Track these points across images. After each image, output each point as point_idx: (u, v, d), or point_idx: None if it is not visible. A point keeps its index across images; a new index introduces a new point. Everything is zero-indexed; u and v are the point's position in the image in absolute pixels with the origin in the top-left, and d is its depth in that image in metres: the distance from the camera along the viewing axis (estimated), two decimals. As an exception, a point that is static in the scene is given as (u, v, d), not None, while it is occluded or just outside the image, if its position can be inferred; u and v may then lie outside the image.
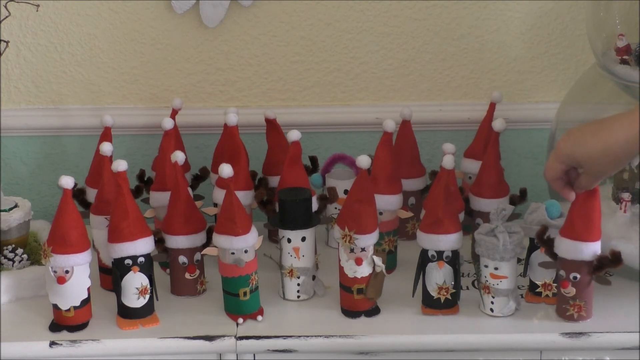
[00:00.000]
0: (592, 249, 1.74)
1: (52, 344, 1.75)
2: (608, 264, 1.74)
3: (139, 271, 1.78)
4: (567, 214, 1.76)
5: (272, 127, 2.12)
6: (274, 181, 2.06)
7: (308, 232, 1.86)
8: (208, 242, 1.88)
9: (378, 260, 1.80)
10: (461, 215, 1.92)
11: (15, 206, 2.00)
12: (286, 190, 1.90)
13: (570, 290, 1.77)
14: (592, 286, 1.77)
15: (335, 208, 2.05)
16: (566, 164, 1.64)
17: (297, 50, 2.22)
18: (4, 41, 2.00)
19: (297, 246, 1.86)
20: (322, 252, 1.99)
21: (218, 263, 1.82)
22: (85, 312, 1.80)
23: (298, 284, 1.88)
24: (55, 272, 1.75)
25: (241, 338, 1.76)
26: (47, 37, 2.20)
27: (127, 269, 1.78)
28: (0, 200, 2.00)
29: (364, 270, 1.80)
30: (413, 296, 1.85)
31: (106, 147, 1.92)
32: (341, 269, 1.82)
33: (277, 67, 2.23)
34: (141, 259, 1.79)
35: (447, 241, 1.80)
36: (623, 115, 1.54)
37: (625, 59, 1.92)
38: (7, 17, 1.99)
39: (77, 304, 1.78)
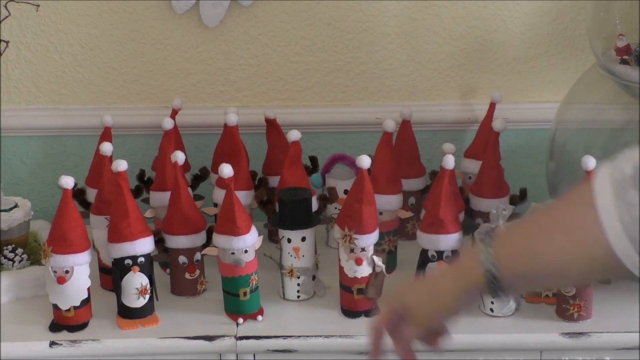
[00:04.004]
0: (592, 249, 1.74)
1: (52, 344, 1.75)
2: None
3: (139, 271, 1.78)
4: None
5: (272, 127, 2.12)
6: (274, 181, 2.06)
7: (308, 232, 1.86)
8: (208, 242, 1.88)
9: (378, 260, 1.80)
10: (461, 215, 1.92)
11: (15, 206, 2.00)
12: (286, 190, 1.90)
13: (570, 290, 1.77)
14: (592, 286, 1.77)
15: (335, 208, 2.05)
16: (393, 307, 1.40)
17: (297, 50, 2.22)
18: (4, 41, 1.99)
19: (297, 246, 1.86)
20: (322, 252, 1.99)
21: (218, 263, 1.82)
22: (85, 312, 1.80)
23: (298, 284, 1.88)
24: (55, 272, 1.75)
25: (241, 338, 1.76)
26: (47, 37, 2.20)
27: (127, 269, 1.78)
28: (0, 200, 2.00)
29: (364, 270, 1.80)
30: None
31: (106, 147, 1.92)
32: (341, 269, 1.82)
33: (277, 67, 2.23)
34: (141, 259, 1.79)
35: (447, 241, 1.80)
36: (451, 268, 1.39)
37: (625, 59, 1.92)
38: (7, 17, 1.99)
39: (77, 304, 1.78)
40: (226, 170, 1.77)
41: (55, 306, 1.79)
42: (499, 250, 1.26)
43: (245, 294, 1.80)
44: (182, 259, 1.89)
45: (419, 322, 1.36)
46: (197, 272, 1.90)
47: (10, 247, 1.95)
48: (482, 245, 1.27)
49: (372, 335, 1.40)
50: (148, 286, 1.80)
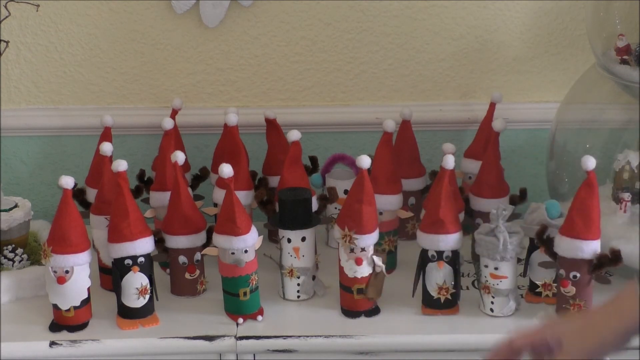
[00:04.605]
0: (591, 248, 1.74)
1: (52, 344, 1.75)
2: (608, 263, 1.74)
3: (139, 271, 1.78)
4: (567, 213, 1.76)
5: (272, 127, 2.12)
6: (274, 181, 2.06)
7: (308, 232, 1.86)
8: (208, 242, 1.88)
9: (378, 260, 1.80)
10: (461, 215, 1.92)
11: (15, 206, 2.00)
12: (286, 190, 1.90)
13: (570, 290, 1.77)
14: (591, 285, 1.77)
15: (335, 208, 2.05)
16: (543, 333, 1.40)
17: (297, 50, 2.22)
18: (4, 41, 1.99)
19: (297, 246, 1.86)
20: (322, 252, 1.99)
21: (218, 263, 1.82)
22: (85, 312, 1.80)
23: (298, 284, 1.88)
24: (55, 272, 1.75)
25: (241, 338, 1.76)
26: (47, 37, 2.20)
27: (127, 269, 1.78)
28: (0, 200, 2.00)
29: (364, 270, 1.80)
30: (413, 296, 1.85)
31: (106, 147, 1.92)
32: (341, 269, 1.82)
33: (277, 67, 2.23)
34: (141, 259, 1.79)
35: (447, 241, 1.80)
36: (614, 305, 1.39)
37: (625, 59, 1.92)
38: (7, 17, 1.99)
39: (77, 304, 1.78)
40: (226, 170, 1.77)
41: (55, 306, 1.79)
42: None
43: (245, 294, 1.80)
44: (182, 259, 1.89)
45: (571, 355, 1.34)
46: (197, 272, 1.90)
47: (10, 247, 1.95)
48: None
49: (506, 351, 1.39)
50: (148, 286, 1.80)
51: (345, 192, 1.99)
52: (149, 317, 1.81)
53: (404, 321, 1.81)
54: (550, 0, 2.19)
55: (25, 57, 2.21)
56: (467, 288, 1.92)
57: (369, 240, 1.79)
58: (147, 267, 1.80)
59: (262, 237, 1.83)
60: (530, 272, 1.87)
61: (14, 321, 1.83)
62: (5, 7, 1.98)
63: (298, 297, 1.89)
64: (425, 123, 2.22)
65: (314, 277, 1.89)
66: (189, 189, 1.92)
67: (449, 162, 1.82)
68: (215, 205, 2.04)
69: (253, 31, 2.20)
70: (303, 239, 1.86)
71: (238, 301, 1.80)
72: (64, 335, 1.78)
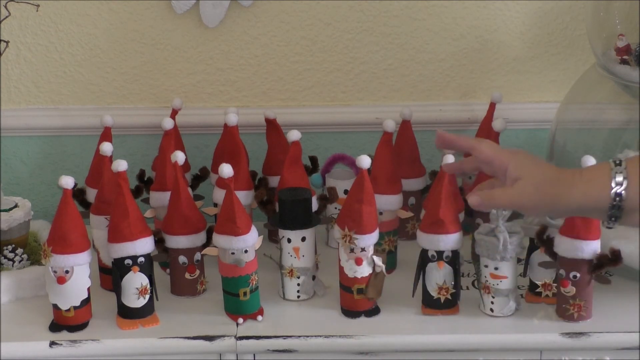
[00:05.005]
0: (591, 247, 1.74)
1: (52, 344, 1.75)
2: (608, 263, 1.74)
3: (139, 271, 1.78)
4: (567, 213, 1.76)
5: (272, 127, 2.12)
6: (274, 181, 2.06)
7: (308, 232, 1.86)
8: (208, 242, 1.88)
9: (378, 260, 1.80)
10: (461, 215, 1.92)
11: (15, 206, 2.00)
12: (286, 190, 1.90)
13: (570, 290, 1.77)
14: (592, 285, 1.77)
15: (335, 208, 2.05)
16: (500, 160, 1.40)
17: (297, 50, 2.22)
18: (4, 41, 1.99)
19: (297, 246, 1.86)
20: (322, 252, 1.99)
21: (218, 263, 1.82)
22: (85, 312, 1.80)
23: (298, 284, 1.88)
24: (55, 272, 1.75)
25: (241, 338, 1.76)
26: (47, 37, 2.20)
27: (127, 269, 1.78)
28: (0, 200, 2.00)
29: (364, 270, 1.80)
30: (413, 296, 1.85)
31: (106, 147, 1.92)
32: (341, 269, 1.82)
33: (277, 67, 2.23)
34: (141, 259, 1.79)
35: (447, 241, 1.79)
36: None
37: (625, 59, 1.92)
38: (7, 17, 1.99)
39: (77, 304, 1.78)
40: (226, 170, 1.77)
41: (55, 306, 1.79)
42: (633, 173, 1.25)
43: (245, 294, 1.80)
44: (182, 259, 1.89)
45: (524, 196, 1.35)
46: (197, 272, 1.90)
47: (10, 247, 1.95)
48: (614, 165, 1.26)
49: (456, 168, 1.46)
50: (148, 286, 1.80)
51: (345, 192, 1.99)
52: (149, 317, 1.81)
53: (404, 321, 1.81)
54: (550, 0, 2.19)
55: (25, 57, 2.21)
56: (467, 288, 1.92)
57: (369, 240, 1.79)
58: (147, 267, 1.80)
59: (262, 237, 1.83)
60: (530, 272, 1.87)
61: (14, 321, 1.83)
62: (5, 7, 1.98)
63: (298, 297, 1.89)
64: (425, 123, 2.22)
65: (314, 277, 1.89)
66: (189, 189, 1.92)
67: (449, 162, 1.82)
68: (215, 205, 2.04)
69: (253, 31, 2.20)
70: (303, 239, 1.86)
71: (238, 301, 1.80)
72: (64, 335, 1.77)
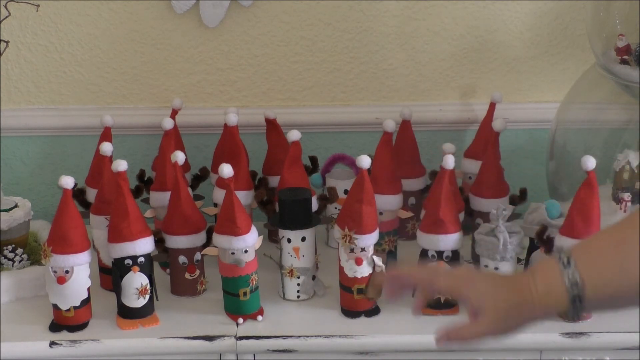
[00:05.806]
0: (592, 249, 1.74)
1: (52, 344, 1.75)
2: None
3: (139, 271, 1.78)
4: (567, 213, 1.76)
5: (272, 127, 2.12)
6: (274, 181, 2.06)
7: (308, 232, 1.86)
8: (208, 242, 1.88)
9: (378, 260, 1.80)
10: (461, 215, 1.92)
11: (15, 206, 2.00)
12: (286, 190, 1.90)
13: (570, 290, 1.77)
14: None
15: (335, 208, 2.05)
16: (449, 286, 1.39)
17: (297, 50, 2.22)
18: (4, 41, 1.99)
19: (297, 246, 1.86)
20: (322, 252, 1.99)
21: (218, 263, 1.82)
22: (85, 312, 1.80)
23: (298, 284, 1.88)
24: (55, 272, 1.75)
25: (241, 338, 1.76)
26: (47, 37, 2.20)
27: (127, 269, 1.78)
28: (0, 200, 2.00)
29: (364, 270, 1.80)
30: (413, 296, 1.85)
31: (106, 147, 1.92)
32: (341, 269, 1.82)
33: (277, 67, 2.23)
34: (141, 259, 1.79)
35: (447, 241, 1.80)
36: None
37: (625, 59, 1.92)
38: (7, 17, 1.99)
39: (77, 304, 1.78)
40: (226, 170, 1.77)
41: (55, 306, 1.79)
42: (584, 270, 1.21)
43: (245, 294, 1.80)
44: (182, 259, 1.89)
45: (490, 323, 1.35)
46: (197, 272, 1.90)
47: (10, 247, 1.95)
48: (563, 267, 1.22)
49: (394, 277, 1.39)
50: (148, 286, 1.80)
51: (345, 192, 1.99)
52: (149, 317, 1.81)
53: (404, 321, 1.81)
54: (550, 0, 2.19)
55: (25, 57, 2.21)
56: (467, 288, 1.92)
57: (369, 240, 1.79)
58: (147, 267, 1.80)
59: (262, 237, 1.83)
60: (530, 272, 1.86)
61: (14, 321, 1.83)
62: (5, 7, 1.98)
63: (298, 297, 1.89)
64: (425, 123, 2.22)
65: (314, 277, 1.89)
66: (189, 189, 1.92)
67: (449, 162, 1.82)
68: (215, 205, 2.04)
69: (253, 31, 2.20)
70: (303, 239, 1.86)
71: (238, 301, 1.80)
72: (64, 335, 1.78)
